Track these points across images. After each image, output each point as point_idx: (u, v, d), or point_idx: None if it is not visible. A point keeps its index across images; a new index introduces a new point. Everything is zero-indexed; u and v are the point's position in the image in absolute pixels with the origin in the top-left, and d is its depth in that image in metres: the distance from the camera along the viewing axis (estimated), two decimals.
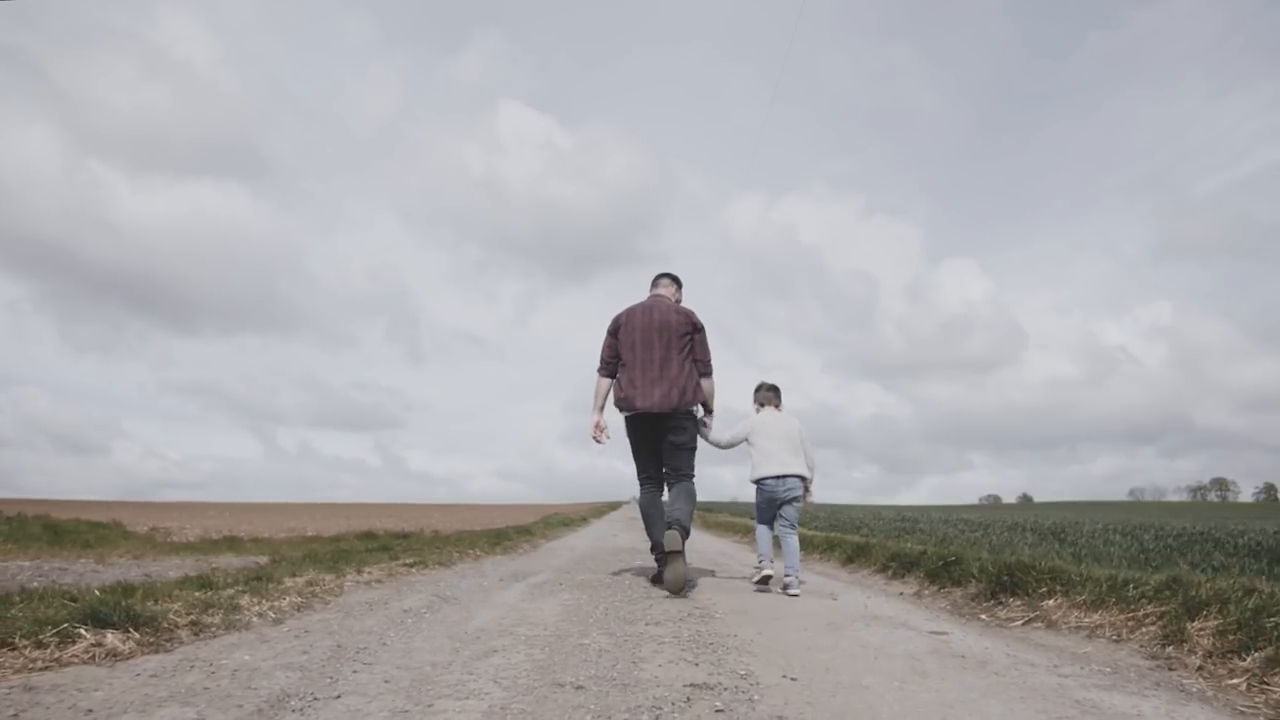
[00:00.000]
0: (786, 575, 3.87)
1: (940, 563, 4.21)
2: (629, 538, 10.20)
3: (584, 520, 20.82)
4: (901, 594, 4.14)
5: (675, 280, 4.44)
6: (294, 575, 4.68)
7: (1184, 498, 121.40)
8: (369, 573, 5.00)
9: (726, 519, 16.05)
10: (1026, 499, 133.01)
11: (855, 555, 5.70)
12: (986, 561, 3.85)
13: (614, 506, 48.39)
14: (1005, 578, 3.51)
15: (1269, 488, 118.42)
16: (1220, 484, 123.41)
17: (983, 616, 3.30)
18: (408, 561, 5.90)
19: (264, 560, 6.67)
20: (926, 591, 4.07)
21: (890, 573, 4.83)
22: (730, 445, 4.19)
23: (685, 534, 3.85)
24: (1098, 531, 10.30)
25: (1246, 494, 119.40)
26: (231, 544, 11.09)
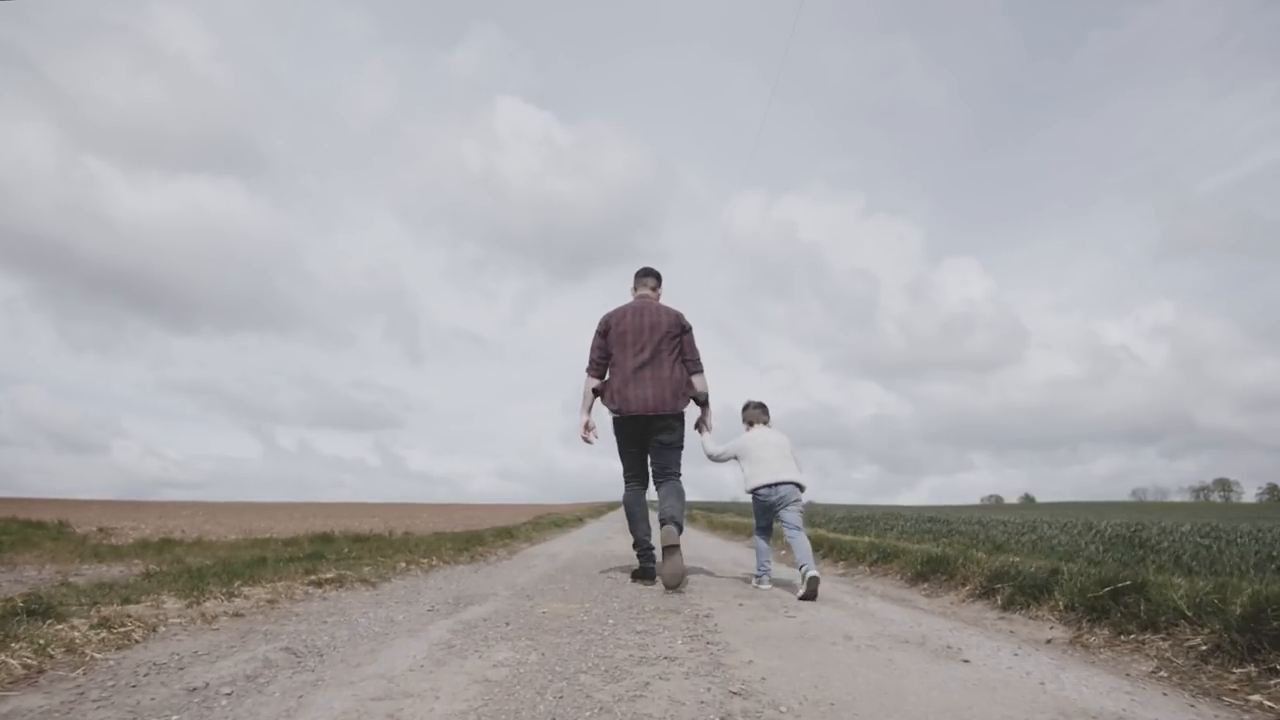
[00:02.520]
0: (802, 563, 3.61)
1: (1103, 589, 2.68)
2: (623, 542, 8.65)
3: (579, 521, 19.28)
4: (1050, 641, 2.60)
5: (659, 278, 4.37)
6: (128, 600, 3.20)
7: (1187, 498, 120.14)
8: (244, 597, 3.51)
9: (733, 519, 14.52)
10: (1028, 499, 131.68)
11: (929, 571, 4.16)
12: (1206, 591, 2.32)
13: (612, 507, 46.85)
14: (1276, 621, 1.98)
15: (1272, 488, 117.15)
16: (1223, 484, 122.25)
17: (1257, 698, 1.78)
18: (326, 577, 4.41)
19: (141, 570, 5.14)
20: (1092, 639, 2.53)
21: (999, 601, 3.30)
22: (721, 459, 4.20)
23: (679, 529, 3.87)
24: (1175, 535, 8.73)
25: (1249, 494, 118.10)
26: (162, 548, 9.58)
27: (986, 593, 3.46)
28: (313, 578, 4.42)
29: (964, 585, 3.74)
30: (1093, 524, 11.59)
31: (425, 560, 5.92)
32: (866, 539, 6.01)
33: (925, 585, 4.04)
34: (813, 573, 3.46)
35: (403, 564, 5.59)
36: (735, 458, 4.11)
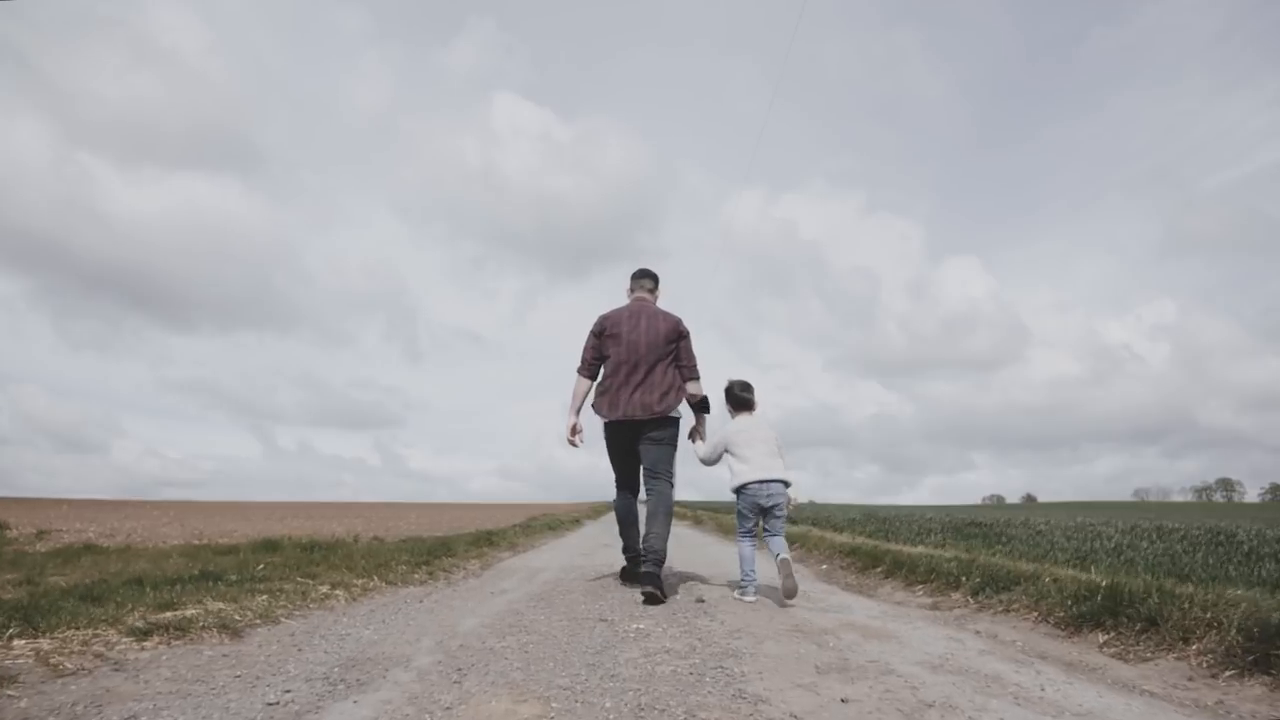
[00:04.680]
0: (777, 555, 3.61)
1: None
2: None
3: (576, 522, 17.79)
4: None
5: (656, 280, 4.23)
6: None
7: (1189, 498, 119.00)
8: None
9: None
10: (1030, 499, 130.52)
11: (1099, 612, 2.68)
12: None
13: (612, 508, 45.21)
14: None
15: (1275, 487, 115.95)
16: (1226, 484, 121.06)
17: None
18: (185, 614, 3.00)
19: None
20: None
21: None
22: (713, 461, 3.97)
23: (661, 564, 3.71)
24: (1266, 537, 7.23)
25: (1252, 494, 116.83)
26: (72, 557, 8.13)
27: (1259, 662, 1.98)
28: (167, 614, 3.00)
29: (1185, 641, 2.27)
30: (1162, 526, 10.10)
31: (363, 581, 4.46)
32: (947, 553, 4.53)
33: (1103, 636, 2.56)
34: (785, 555, 3.56)
35: (326, 588, 4.13)
36: (726, 451, 3.84)
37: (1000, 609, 3.22)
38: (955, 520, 11.40)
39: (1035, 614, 2.99)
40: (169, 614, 3.04)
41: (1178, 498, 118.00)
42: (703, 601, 3.43)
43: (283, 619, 3.10)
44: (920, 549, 5.08)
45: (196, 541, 10.50)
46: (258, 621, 2.98)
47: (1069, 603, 2.85)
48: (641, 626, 2.65)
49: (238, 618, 2.96)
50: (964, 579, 3.74)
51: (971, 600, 3.49)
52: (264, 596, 3.58)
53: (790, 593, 3.43)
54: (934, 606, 3.56)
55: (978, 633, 2.84)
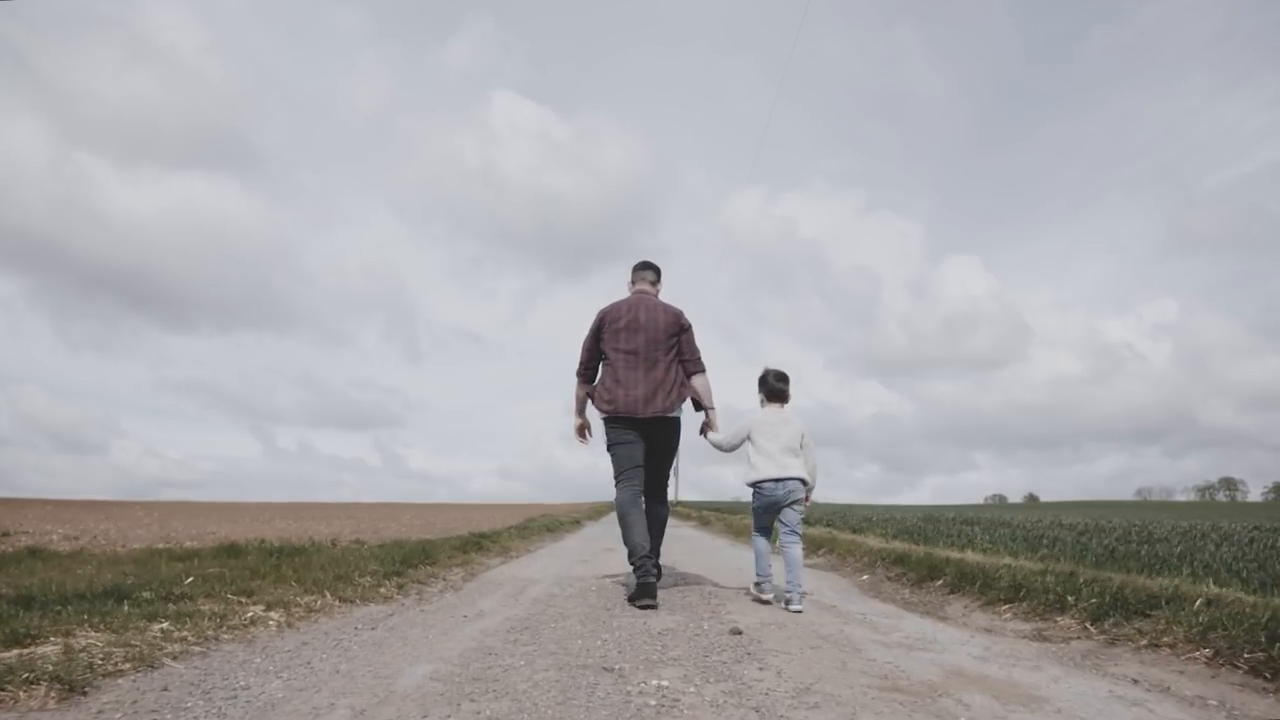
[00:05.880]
0: (788, 590, 3.39)
1: None
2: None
3: (576, 523, 16.95)
4: None
5: (658, 272, 4.08)
6: None
7: (1192, 497, 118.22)
8: None
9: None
10: (1033, 499, 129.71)
11: None
12: None
13: (612, 508, 44.26)
14: None
15: (1277, 487, 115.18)
16: (1229, 483, 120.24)
17: None
18: (30, 654, 2.18)
19: None
20: None
21: None
22: (732, 447, 3.81)
23: (659, 574, 3.68)
24: None
25: (1255, 493, 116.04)
26: (16, 561, 7.31)
27: None
28: (9, 654, 2.21)
29: None
30: (1217, 526, 9.24)
31: (310, 599, 3.63)
32: (1034, 564, 3.68)
33: None
34: (796, 606, 3.27)
35: (259, 609, 3.29)
36: (748, 440, 3.68)
37: (1144, 643, 2.38)
38: (982, 520, 10.54)
39: (1208, 652, 2.15)
40: (11, 653, 2.22)
41: (1180, 497, 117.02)
42: (740, 634, 2.57)
43: (167, 661, 2.26)
44: (973, 555, 4.24)
45: (160, 545, 9.64)
46: (126, 665, 2.14)
47: (1263, 638, 2.01)
48: (665, 684, 1.80)
49: (100, 660, 2.14)
50: (1070, 599, 2.90)
51: (1091, 628, 2.65)
52: (164, 624, 2.75)
53: (790, 603, 3.31)
54: (1039, 636, 2.72)
55: (1135, 681, 2.00)
